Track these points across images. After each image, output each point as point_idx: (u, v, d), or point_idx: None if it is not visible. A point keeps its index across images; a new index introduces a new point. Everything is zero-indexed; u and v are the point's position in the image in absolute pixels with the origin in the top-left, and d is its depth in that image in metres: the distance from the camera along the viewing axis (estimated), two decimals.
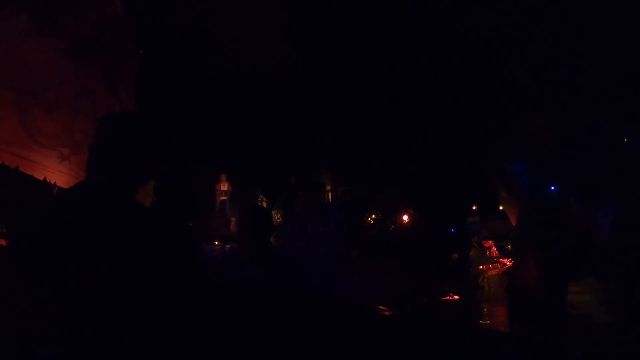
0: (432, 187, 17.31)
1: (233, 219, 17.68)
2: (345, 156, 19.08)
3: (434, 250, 17.04)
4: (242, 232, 4.75)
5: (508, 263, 19.90)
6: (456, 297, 16.69)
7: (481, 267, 20.81)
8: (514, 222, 16.56)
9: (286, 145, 19.03)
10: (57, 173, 6.32)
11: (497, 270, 20.31)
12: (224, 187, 17.82)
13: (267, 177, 19.85)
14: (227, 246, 17.04)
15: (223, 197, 17.73)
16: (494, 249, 23.65)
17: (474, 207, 24.93)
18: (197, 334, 2.02)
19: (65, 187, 6.33)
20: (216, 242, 16.30)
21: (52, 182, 6.11)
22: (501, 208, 24.30)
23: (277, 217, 18.50)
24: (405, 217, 16.94)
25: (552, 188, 13.76)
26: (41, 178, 6.30)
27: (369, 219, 17.23)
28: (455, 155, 17.91)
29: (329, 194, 19.54)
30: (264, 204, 19.38)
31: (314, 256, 14.56)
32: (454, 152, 17.94)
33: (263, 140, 19.27)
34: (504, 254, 22.30)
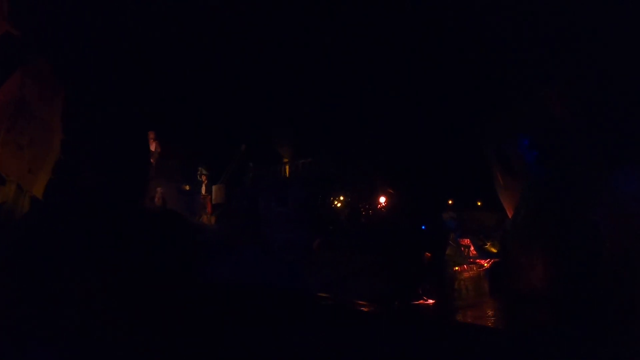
0: (416, 164, 15.21)
1: (159, 189, 15.15)
2: (309, 122, 16.57)
3: (411, 246, 15.28)
4: None
5: (486, 264, 18.80)
6: (430, 301, 15.04)
7: (457, 268, 19.64)
8: (510, 212, 15.07)
9: (236, 106, 16.37)
10: None
11: (473, 272, 19.12)
12: (151, 147, 15.21)
13: (212, 144, 17.13)
14: None
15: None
16: (472, 247, 22.58)
17: (450, 202, 23.71)
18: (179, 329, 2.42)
19: None
20: None
21: None
22: (479, 204, 23.40)
23: (218, 193, 16.00)
24: (382, 199, 14.75)
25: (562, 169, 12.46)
26: None
27: (337, 200, 14.90)
28: (442, 130, 15.86)
29: (287, 166, 17.10)
30: (204, 178, 16.81)
31: (267, 243, 12.22)
32: (442, 126, 15.89)
33: (208, 99, 16.57)
34: (482, 253, 21.22)
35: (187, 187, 17.22)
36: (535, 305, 10.79)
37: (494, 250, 19.46)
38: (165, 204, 16.21)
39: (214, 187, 16.72)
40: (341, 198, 15.02)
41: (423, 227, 17.33)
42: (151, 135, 15.31)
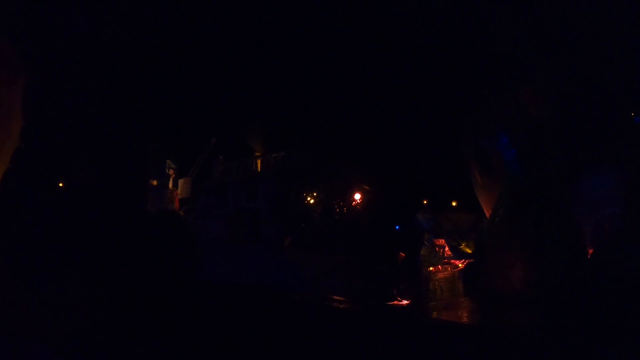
0: (392, 161, 14.78)
1: None
2: (283, 115, 16.00)
3: (385, 246, 15.39)
4: None
5: (460, 265, 18.69)
6: (405, 302, 14.86)
7: (431, 268, 19.48)
8: (487, 213, 14.80)
9: (207, 96, 15.67)
10: None
11: (448, 273, 18.95)
12: None
13: (181, 137, 16.38)
14: None
15: None
16: (447, 248, 22.41)
17: (425, 202, 23.57)
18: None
19: None
20: None
21: None
22: (454, 204, 23.25)
23: (184, 187, 15.29)
24: (357, 196, 14.26)
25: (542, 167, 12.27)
26: None
27: (310, 196, 14.35)
28: (419, 127, 15.48)
29: (259, 160, 16.48)
30: (172, 172, 16.07)
31: (235, 241, 11.58)
32: (419, 122, 15.50)
33: (178, 90, 15.86)
34: (457, 254, 21.09)
35: (154, 182, 16.49)
36: (513, 305, 10.51)
37: (469, 251, 19.30)
38: None
39: (180, 181, 16.02)
40: (314, 194, 14.50)
41: (397, 227, 17.08)
42: None
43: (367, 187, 14.29)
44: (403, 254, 16.38)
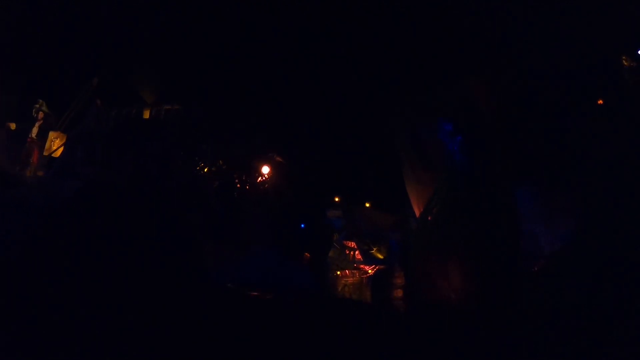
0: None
1: None
2: (183, 59, 12.95)
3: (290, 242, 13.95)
4: None
5: (370, 271, 17.31)
6: None
7: (338, 272, 18.07)
8: (418, 211, 13.08)
9: (90, 32, 12.45)
10: None
11: (356, 278, 17.38)
12: None
13: (63, 76, 13.29)
14: None
15: None
16: (357, 251, 21.23)
17: (337, 199, 22.47)
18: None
19: None
20: None
21: None
22: (368, 205, 22.11)
23: (55, 141, 11.68)
24: (265, 170, 11.55)
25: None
26: None
27: (205, 164, 11.36)
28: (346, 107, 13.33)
29: (147, 111, 13.17)
30: (41, 116, 12.34)
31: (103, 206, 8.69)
32: (346, 101, 13.35)
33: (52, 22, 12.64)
34: (367, 259, 20.03)
35: (13, 126, 12.68)
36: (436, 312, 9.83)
37: (380, 257, 18.38)
38: None
39: (50, 134, 12.28)
40: (211, 162, 11.49)
41: (302, 226, 15.99)
42: None
43: (279, 159, 11.58)
44: (308, 255, 15.42)
